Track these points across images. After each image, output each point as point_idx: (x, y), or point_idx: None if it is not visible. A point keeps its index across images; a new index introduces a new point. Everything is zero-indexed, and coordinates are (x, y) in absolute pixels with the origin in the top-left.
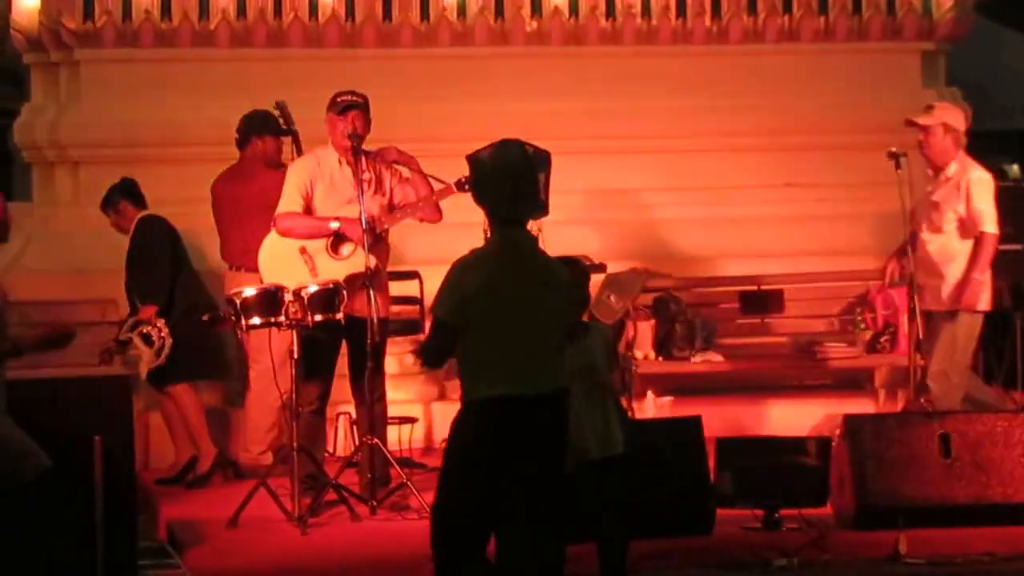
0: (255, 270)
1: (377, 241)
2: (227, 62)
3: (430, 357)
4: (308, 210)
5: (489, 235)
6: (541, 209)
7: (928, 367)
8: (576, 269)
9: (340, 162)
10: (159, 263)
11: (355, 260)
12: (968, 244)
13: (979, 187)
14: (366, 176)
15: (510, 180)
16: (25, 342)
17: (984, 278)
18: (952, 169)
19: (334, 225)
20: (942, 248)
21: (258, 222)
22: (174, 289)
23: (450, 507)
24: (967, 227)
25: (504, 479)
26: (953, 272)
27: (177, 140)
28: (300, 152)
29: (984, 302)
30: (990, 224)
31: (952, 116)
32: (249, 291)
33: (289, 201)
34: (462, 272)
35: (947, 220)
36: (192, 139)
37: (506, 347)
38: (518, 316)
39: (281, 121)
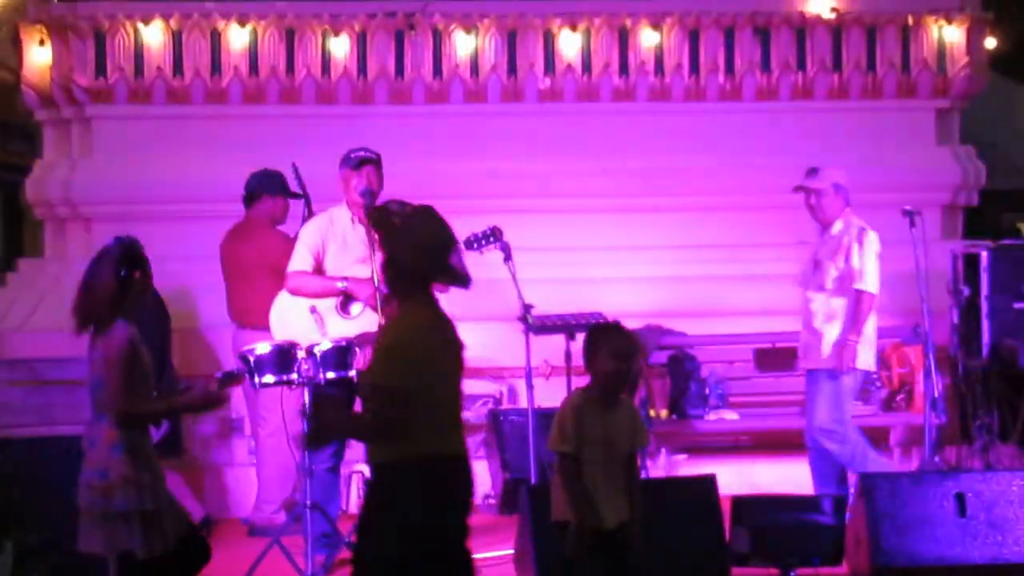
0: (258, 327)
1: (388, 300)
2: (239, 119)
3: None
4: (319, 269)
5: (402, 299)
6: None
7: (811, 424)
8: (629, 341)
9: (353, 220)
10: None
11: (364, 319)
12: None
13: (861, 245)
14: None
15: (448, 245)
16: (177, 403)
17: (862, 337)
18: (837, 227)
19: (341, 285)
20: (823, 306)
21: (259, 281)
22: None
23: None
24: (845, 285)
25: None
26: (832, 331)
27: (189, 197)
28: (311, 214)
29: (863, 361)
30: (868, 282)
31: (840, 176)
32: (263, 348)
33: (299, 260)
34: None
35: (829, 278)
36: (204, 196)
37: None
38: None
39: (295, 182)
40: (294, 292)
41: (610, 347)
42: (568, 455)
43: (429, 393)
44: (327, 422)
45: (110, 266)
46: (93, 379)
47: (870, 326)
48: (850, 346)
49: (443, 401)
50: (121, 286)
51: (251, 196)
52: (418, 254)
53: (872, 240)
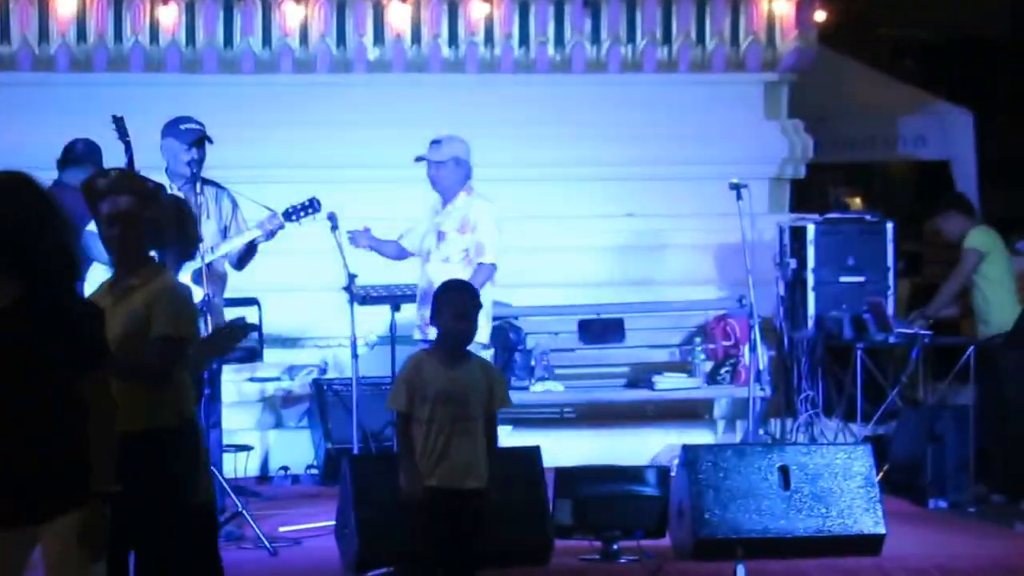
0: None
1: (213, 268)
2: (66, 86)
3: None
4: None
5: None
6: None
7: None
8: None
9: (172, 188)
10: None
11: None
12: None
13: (484, 218)
14: (202, 200)
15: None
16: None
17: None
18: (460, 200)
19: None
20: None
21: None
22: None
23: None
24: (469, 257)
25: None
26: None
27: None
28: (131, 165)
29: (482, 335)
30: (489, 254)
31: (462, 150)
32: None
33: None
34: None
35: (454, 250)
36: (27, 164)
37: None
38: None
39: (118, 133)
40: (94, 258)
41: (452, 306)
42: (397, 413)
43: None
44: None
45: None
46: None
47: (489, 300)
48: None
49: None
50: None
51: (75, 161)
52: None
53: (494, 213)
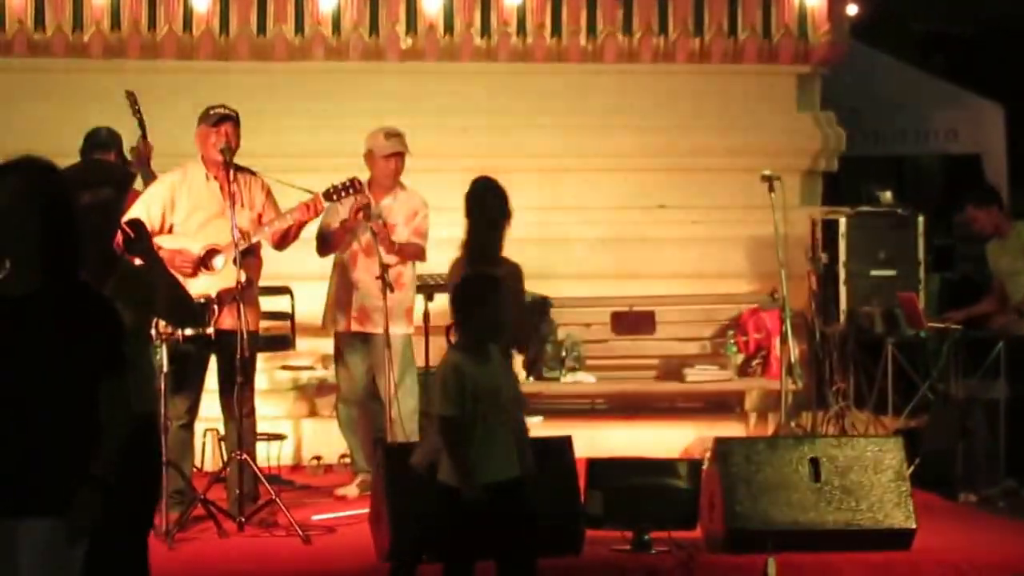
0: None
1: (248, 255)
2: (99, 73)
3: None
4: (162, 225)
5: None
6: None
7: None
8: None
9: (208, 176)
10: None
11: (227, 274)
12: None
13: (425, 208)
14: (235, 188)
15: None
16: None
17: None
18: (405, 191)
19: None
20: (399, 272)
21: None
22: None
23: None
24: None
25: None
26: (408, 294)
27: (48, 151)
28: (145, 139)
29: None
30: (425, 246)
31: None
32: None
33: (135, 212)
34: None
35: (400, 240)
36: (63, 150)
37: None
38: None
39: (131, 109)
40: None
41: (476, 298)
42: (449, 418)
43: None
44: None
45: None
46: None
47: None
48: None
49: None
50: None
51: (98, 147)
52: None
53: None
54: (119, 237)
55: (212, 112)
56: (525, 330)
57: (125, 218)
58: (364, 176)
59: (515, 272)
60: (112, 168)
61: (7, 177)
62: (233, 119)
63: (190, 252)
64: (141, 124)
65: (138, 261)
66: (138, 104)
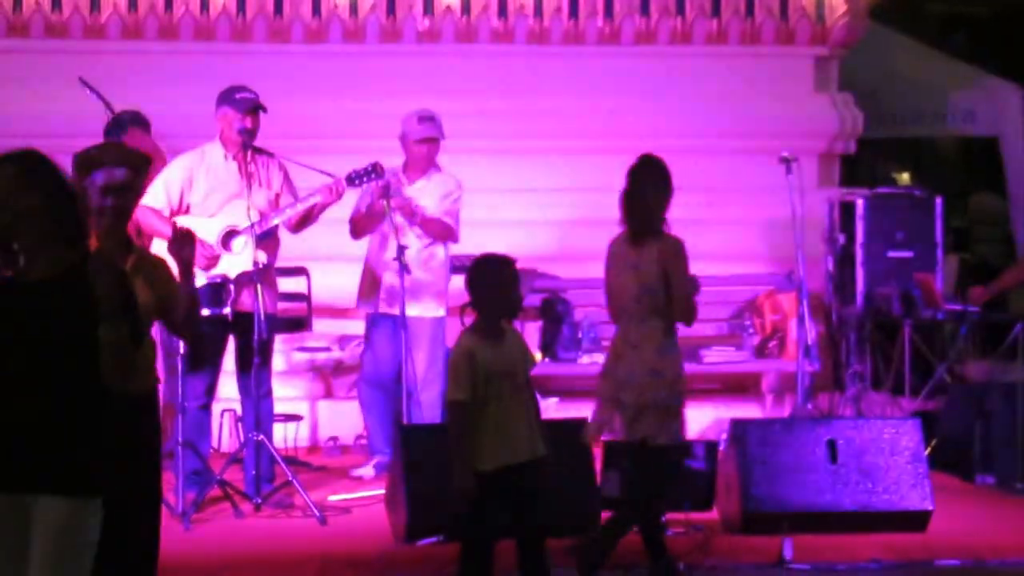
0: None
1: (266, 236)
2: (117, 55)
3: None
4: (180, 205)
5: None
6: None
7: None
8: (508, 267)
9: (227, 156)
10: None
11: (245, 255)
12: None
13: (461, 192)
14: (252, 168)
15: None
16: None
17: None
18: (440, 173)
19: (166, 229)
20: (420, 252)
21: None
22: None
23: None
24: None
25: None
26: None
27: (61, 132)
28: (112, 112)
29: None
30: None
31: None
32: None
33: (151, 195)
34: None
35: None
36: (74, 131)
37: None
38: None
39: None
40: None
41: (493, 280)
42: (458, 403)
43: None
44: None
45: None
46: None
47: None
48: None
49: None
50: None
51: (119, 127)
52: None
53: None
54: (168, 234)
55: (240, 97)
56: (692, 304)
57: (178, 221)
58: (391, 158)
59: (676, 247)
60: (127, 149)
61: (2, 166)
62: (261, 110)
63: (210, 247)
64: (106, 104)
65: (174, 265)
66: (92, 86)
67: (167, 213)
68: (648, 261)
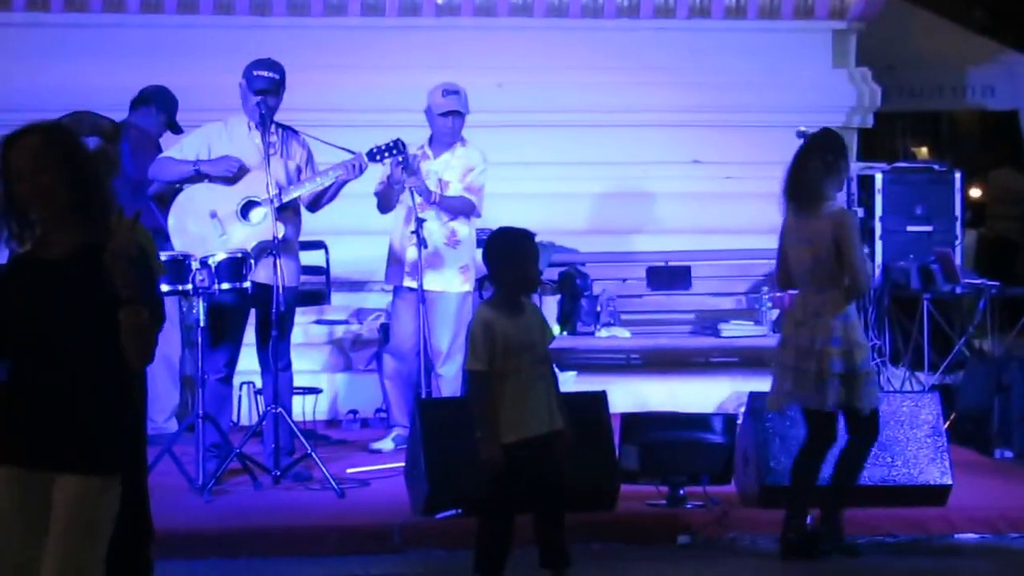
0: None
1: (286, 209)
2: (137, 28)
3: None
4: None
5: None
6: None
7: (441, 348)
8: (528, 240)
9: (250, 127)
10: None
11: (265, 226)
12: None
13: (481, 167)
14: (273, 139)
15: None
16: None
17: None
18: (463, 146)
19: (192, 168)
20: (443, 228)
21: None
22: None
23: None
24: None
25: None
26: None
27: (82, 106)
28: None
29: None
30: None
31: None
32: None
33: (173, 149)
34: None
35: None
36: (99, 105)
37: None
38: None
39: None
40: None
41: (513, 254)
42: (478, 373)
43: None
44: None
45: None
46: None
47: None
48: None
49: None
50: None
51: (142, 101)
52: None
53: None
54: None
55: (256, 74)
56: (866, 274)
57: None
58: (408, 131)
59: (840, 217)
60: (100, 119)
61: (23, 138)
62: (272, 93)
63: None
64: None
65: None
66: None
67: None
68: (820, 232)
